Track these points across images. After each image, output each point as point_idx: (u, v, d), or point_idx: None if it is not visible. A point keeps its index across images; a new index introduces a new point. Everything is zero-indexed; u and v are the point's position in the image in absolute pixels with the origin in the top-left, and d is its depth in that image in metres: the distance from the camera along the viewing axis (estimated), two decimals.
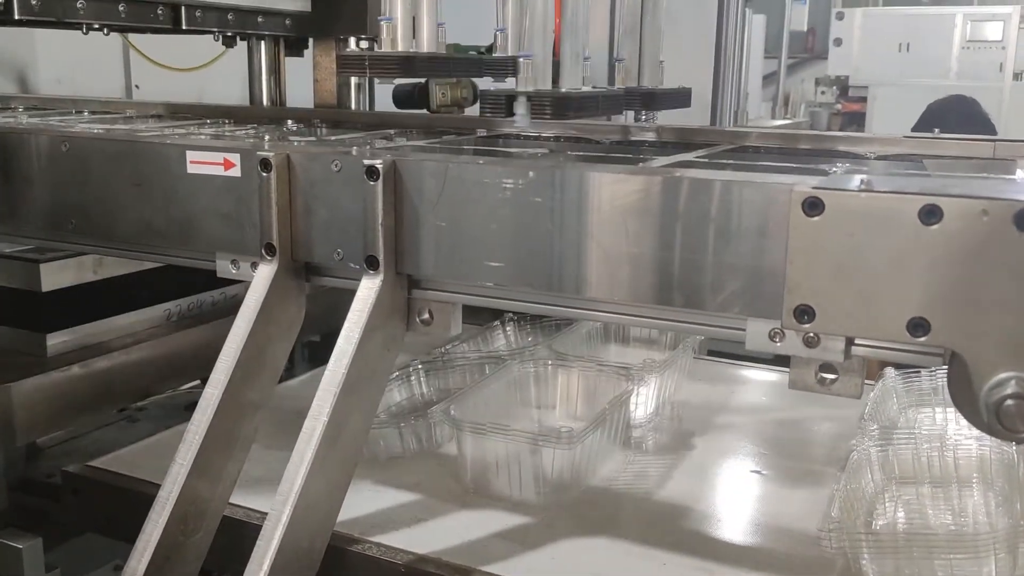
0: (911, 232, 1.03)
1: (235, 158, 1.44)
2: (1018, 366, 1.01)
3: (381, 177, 1.31)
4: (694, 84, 2.92)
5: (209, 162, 1.47)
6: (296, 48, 2.74)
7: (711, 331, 1.25)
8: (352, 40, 2.57)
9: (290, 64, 2.75)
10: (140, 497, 1.56)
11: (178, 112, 2.45)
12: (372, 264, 1.35)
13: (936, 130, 6.01)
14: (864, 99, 7.29)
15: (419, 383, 2.10)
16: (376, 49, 2.01)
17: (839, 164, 1.56)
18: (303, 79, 2.76)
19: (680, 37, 3.75)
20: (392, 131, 2.06)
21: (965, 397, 1.05)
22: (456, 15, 2.24)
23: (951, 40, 7.02)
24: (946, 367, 1.10)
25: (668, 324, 1.28)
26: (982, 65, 6.94)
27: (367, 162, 1.31)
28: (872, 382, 1.95)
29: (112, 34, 2.21)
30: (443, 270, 1.36)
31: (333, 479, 1.37)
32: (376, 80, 2.81)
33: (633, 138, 1.98)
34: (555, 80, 2.27)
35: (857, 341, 1.15)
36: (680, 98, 2.69)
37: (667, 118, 2.61)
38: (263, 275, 1.43)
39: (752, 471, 1.84)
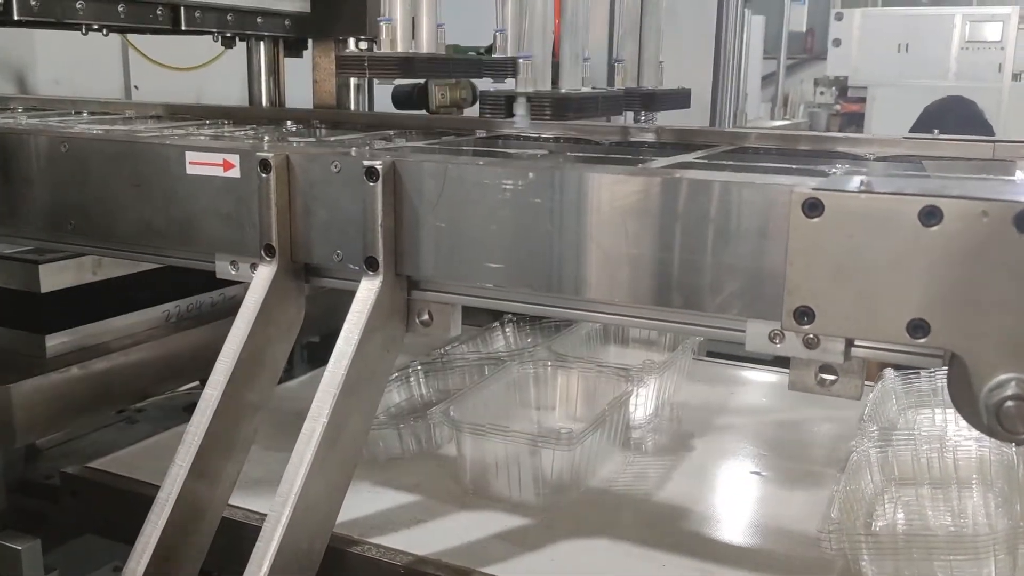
0: (911, 233, 1.03)
1: (234, 159, 1.44)
2: (1018, 367, 1.01)
3: (380, 178, 1.31)
4: (693, 85, 2.91)
5: (208, 163, 1.46)
6: (295, 49, 2.74)
7: (711, 332, 1.25)
8: (351, 41, 2.57)
9: (289, 65, 2.75)
10: (139, 498, 1.56)
11: (177, 113, 2.44)
12: (371, 265, 1.35)
13: (935, 131, 6.01)
14: (863, 100, 7.30)
15: (418, 384, 2.10)
16: (375, 50, 2.01)
17: (838, 165, 1.56)
18: (302, 80, 2.76)
19: (680, 38, 3.74)
20: (391, 132, 2.06)
21: (965, 398, 1.05)
22: (455, 16, 2.24)
23: (950, 41, 7.03)
24: (946, 368, 1.10)
25: (668, 325, 1.28)
26: (981, 66, 6.95)
27: (367, 163, 1.31)
28: (872, 383, 1.95)
29: (111, 34, 2.21)
30: (443, 271, 1.35)
31: (332, 480, 1.37)
32: (375, 81, 2.80)
33: (633, 139, 1.98)
34: (555, 81, 2.27)
35: (857, 342, 1.15)
36: (679, 99, 2.69)
37: (667, 119, 2.62)
38: (262, 276, 1.43)
39: (752, 472, 1.84)
